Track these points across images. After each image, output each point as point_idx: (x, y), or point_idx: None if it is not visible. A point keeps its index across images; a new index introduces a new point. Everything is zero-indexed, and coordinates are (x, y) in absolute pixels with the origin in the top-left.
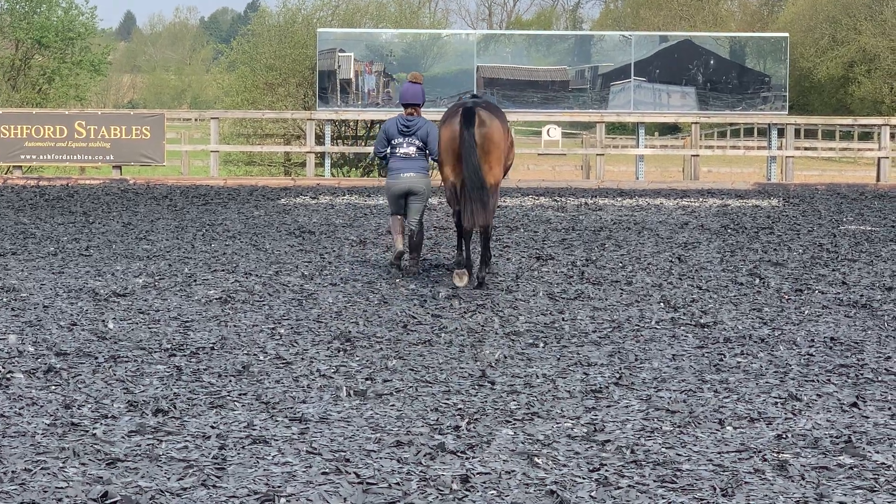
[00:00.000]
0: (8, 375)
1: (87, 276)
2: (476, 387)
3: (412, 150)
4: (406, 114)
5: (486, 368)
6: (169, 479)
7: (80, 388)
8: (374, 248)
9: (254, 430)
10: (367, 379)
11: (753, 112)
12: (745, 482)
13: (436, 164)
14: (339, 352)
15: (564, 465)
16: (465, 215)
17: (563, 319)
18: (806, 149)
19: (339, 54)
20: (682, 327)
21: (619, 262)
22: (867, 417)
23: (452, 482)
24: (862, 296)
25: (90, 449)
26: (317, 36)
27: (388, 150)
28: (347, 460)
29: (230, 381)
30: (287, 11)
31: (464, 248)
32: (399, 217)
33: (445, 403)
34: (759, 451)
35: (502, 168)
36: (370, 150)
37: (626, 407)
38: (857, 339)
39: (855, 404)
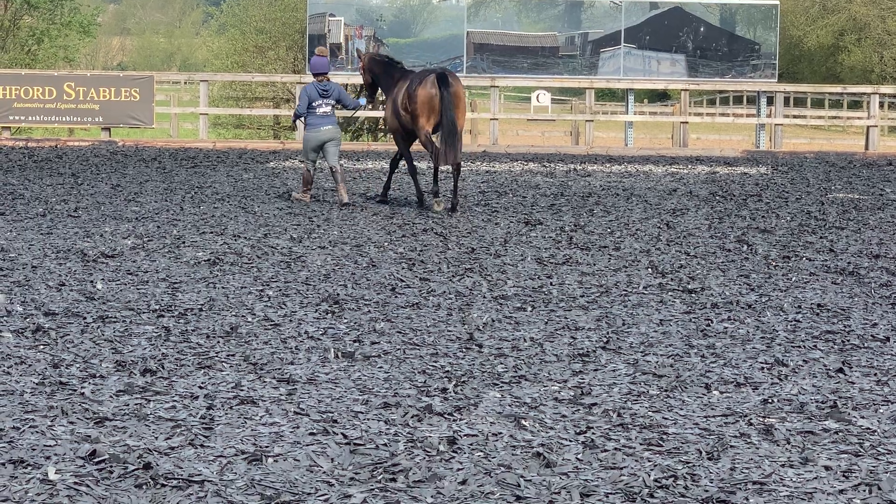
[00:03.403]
0: None
1: (76, 238)
2: (464, 350)
3: (328, 108)
4: (319, 80)
5: (473, 332)
6: (157, 438)
7: (68, 348)
8: (361, 212)
9: (241, 390)
10: (354, 341)
11: (743, 80)
12: (731, 446)
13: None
14: (327, 314)
15: (551, 428)
16: (442, 157)
17: (550, 284)
18: (795, 117)
19: (330, 18)
20: (669, 293)
21: (608, 228)
22: (853, 383)
23: (439, 444)
24: (849, 263)
25: (78, 408)
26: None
27: (308, 111)
28: (335, 421)
29: (218, 342)
30: None
31: (436, 181)
32: (312, 170)
33: (433, 366)
34: (745, 416)
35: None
36: (361, 114)
37: (613, 371)
38: (843, 306)
39: (841, 370)
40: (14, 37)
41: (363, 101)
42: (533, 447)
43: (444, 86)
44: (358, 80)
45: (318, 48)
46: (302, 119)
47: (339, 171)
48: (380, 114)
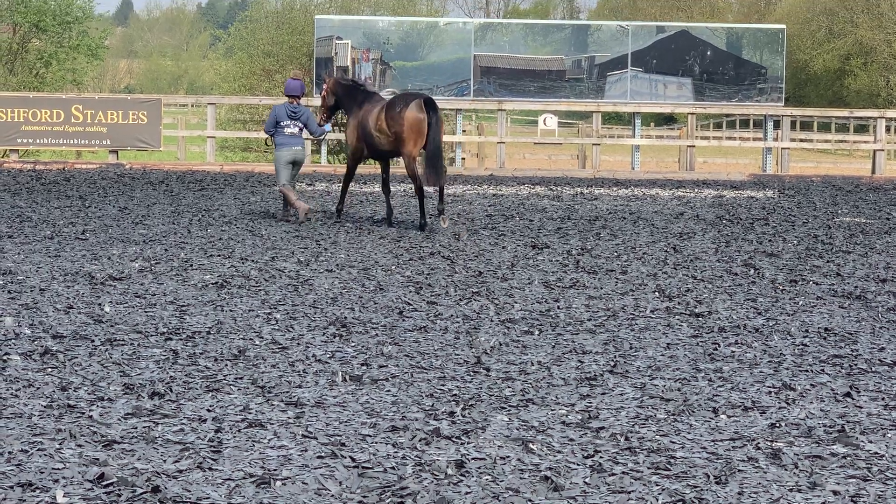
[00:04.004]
0: (4, 357)
1: (84, 260)
2: (471, 373)
3: (296, 129)
4: (290, 102)
5: (481, 355)
6: (165, 461)
7: (76, 371)
8: (368, 235)
9: (249, 413)
10: (362, 364)
11: (750, 103)
12: (739, 470)
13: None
14: (334, 337)
15: (559, 452)
16: (425, 179)
17: (558, 307)
18: (801, 140)
19: (337, 41)
20: (676, 316)
21: (615, 252)
22: (860, 407)
23: (447, 467)
24: (856, 287)
25: (86, 431)
26: (314, 23)
27: (276, 130)
28: (343, 444)
29: (226, 365)
30: None
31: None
32: (290, 185)
33: (441, 389)
34: (753, 440)
35: None
36: (331, 136)
37: (621, 394)
38: (851, 330)
39: (848, 394)
40: (22, 60)
41: (328, 127)
42: (541, 471)
43: (432, 110)
44: None
45: (294, 71)
46: (272, 138)
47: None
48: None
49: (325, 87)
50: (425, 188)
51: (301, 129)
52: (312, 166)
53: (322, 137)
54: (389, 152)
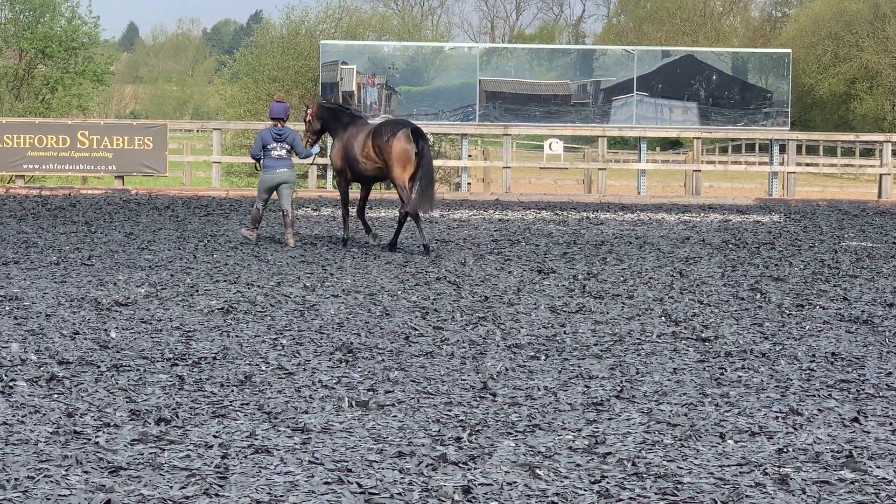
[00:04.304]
0: (11, 384)
1: (90, 286)
2: (478, 398)
3: (283, 152)
4: (275, 125)
5: (487, 380)
6: (171, 487)
7: (82, 397)
8: (374, 260)
9: (256, 439)
10: (368, 390)
11: (755, 127)
12: (746, 496)
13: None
14: (340, 363)
15: (566, 477)
16: (418, 205)
17: (564, 332)
18: (807, 164)
19: (342, 66)
20: (683, 341)
21: (621, 276)
22: (868, 432)
23: (454, 493)
24: (863, 312)
25: (93, 457)
26: (320, 48)
27: (263, 153)
28: (349, 470)
29: (232, 390)
30: (290, 23)
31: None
32: (262, 210)
33: (447, 415)
34: (761, 465)
35: None
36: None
37: (628, 420)
38: (858, 355)
39: (856, 419)
40: (28, 85)
41: (316, 149)
42: (548, 496)
43: (422, 139)
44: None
45: (277, 94)
46: (259, 161)
47: (290, 215)
48: None
49: (309, 112)
50: (423, 214)
51: (288, 151)
52: (318, 191)
53: (310, 162)
54: (373, 178)
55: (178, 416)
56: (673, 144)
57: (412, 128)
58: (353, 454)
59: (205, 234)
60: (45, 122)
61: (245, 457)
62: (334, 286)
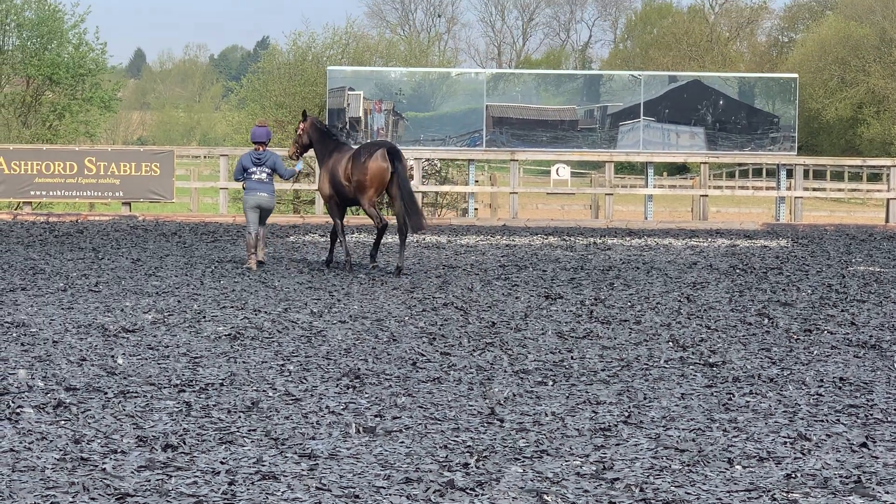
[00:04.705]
0: (18, 410)
1: (97, 312)
2: (485, 424)
3: (264, 175)
4: (256, 149)
5: (495, 406)
6: None
7: (89, 424)
8: (381, 286)
9: (263, 465)
10: (376, 416)
11: (762, 152)
12: None
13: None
14: (348, 389)
15: (574, 503)
16: (412, 226)
17: (571, 358)
18: (815, 189)
19: (349, 92)
20: (690, 366)
21: (628, 302)
22: (877, 458)
23: None
24: (871, 336)
25: (100, 484)
26: (327, 74)
27: (244, 176)
28: (357, 496)
29: (239, 416)
30: (297, 49)
31: (377, 250)
32: (254, 235)
33: (454, 441)
34: (769, 491)
35: None
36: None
37: (635, 445)
38: (866, 380)
39: (864, 444)
40: (36, 112)
41: (300, 166)
42: None
43: (396, 159)
44: None
45: (259, 119)
46: (242, 185)
47: (261, 237)
48: None
49: (302, 125)
50: (409, 235)
51: (269, 175)
52: (326, 216)
53: (293, 179)
54: (357, 200)
55: (185, 443)
56: (680, 169)
57: (388, 147)
58: (361, 480)
59: (212, 260)
60: (53, 148)
61: (252, 483)
62: (341, 312)
